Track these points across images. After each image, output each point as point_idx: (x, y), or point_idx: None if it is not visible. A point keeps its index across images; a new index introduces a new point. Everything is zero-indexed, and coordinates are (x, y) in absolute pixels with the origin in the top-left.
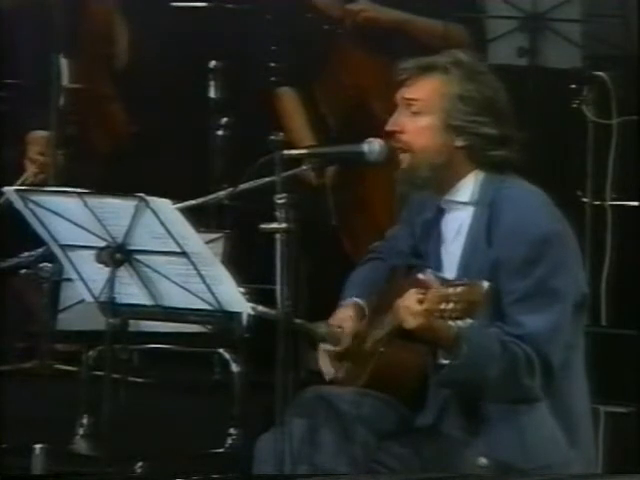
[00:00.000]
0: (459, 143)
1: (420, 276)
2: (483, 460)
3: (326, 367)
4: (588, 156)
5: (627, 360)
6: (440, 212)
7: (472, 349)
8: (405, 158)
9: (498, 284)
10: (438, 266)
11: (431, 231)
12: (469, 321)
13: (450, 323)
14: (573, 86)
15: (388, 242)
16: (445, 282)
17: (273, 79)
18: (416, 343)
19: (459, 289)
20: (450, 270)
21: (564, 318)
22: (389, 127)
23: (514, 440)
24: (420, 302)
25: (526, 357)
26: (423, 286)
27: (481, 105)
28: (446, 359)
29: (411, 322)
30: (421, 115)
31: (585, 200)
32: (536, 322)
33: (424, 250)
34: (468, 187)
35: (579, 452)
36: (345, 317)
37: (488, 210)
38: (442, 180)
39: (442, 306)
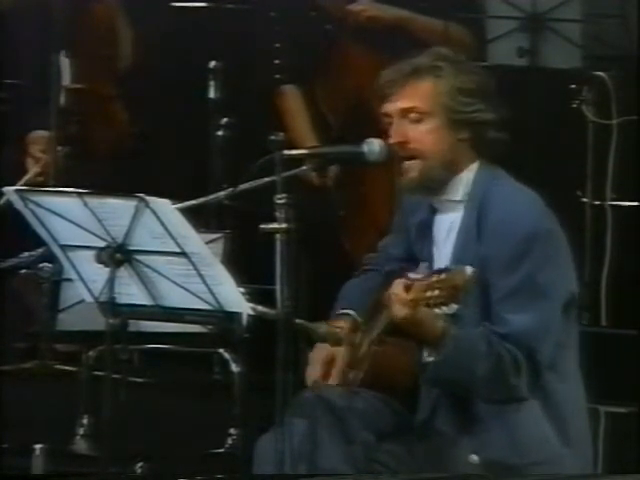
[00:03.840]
0: (463, 135)
1: (410, 274)
2: (474, 457)
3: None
4: (588, 156)
5: (627, 360)
6: (433, 212)
7: (457, 346)
8: (415, 165)
9: (488, 280)
10: (432, 265)
11: (425, 231)
12: (454, 306)
13: (437, 314)
14: (573, 86)
15: (382, 252)
16: (430, 273)
17: (277, 77)
18: (405, 339)
19: (443, 275)
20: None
21: (551, 315)
22: (394, 139)
23: (503, 437)
24: (407, 290)
25: (512, 356)
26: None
27: (477, 93)
28: (431, 357)
29: (400, 311)
30: (423, 121)
31: (585, 200)
32: (522, 319)
33: (419, 250)
34: (460, 185)
35: (573, 450)
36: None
37: (478, 207)
38: (449, 176)
39: (428, 294)
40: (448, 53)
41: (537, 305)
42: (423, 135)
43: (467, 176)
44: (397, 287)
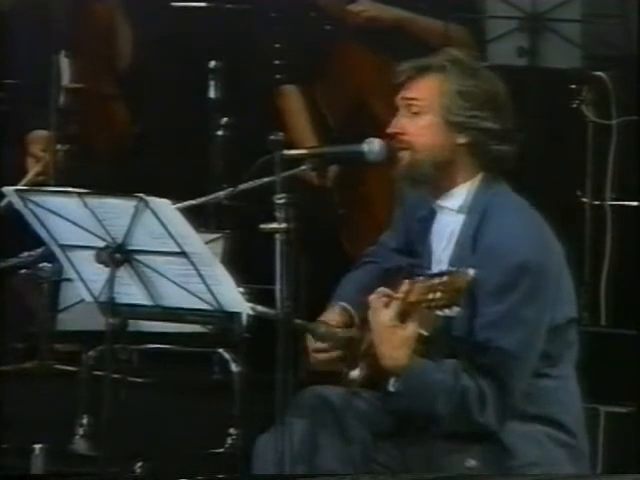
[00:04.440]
0: (461, 140)
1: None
2: (472, 462)
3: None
4: (588, 156)
5: (627, 360)
6: (432, 215)
7: (421, 380)
8: (405, 155)
9: (477, 298)
10: (428, 270)
11: (425, 233)
12: (456, 309)
13: (410, 340)
14: (573, 86)
15: (381, 245)
16: (431, 275)
17: (277, 77)
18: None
19: (445, 278)
20: None
21: (532, 346)
22: (391, 129)
23: (495, 441)
24: (386, 306)
25: (479, 393)
26: (406, 283)
27: (480, 100)
28: (394, 387)
29: (377, 328)
30: (421, 115)
31: (585, 200)
32: (501, 349)
33: (420, 251)
34: (461, 195)
35: (570, 453)
36: (329, 321)
37: (477, 222)
38: (442, 180)
39: (430, 296)
40: (460, 55)
41: (519, 334)
42: (418, 129)
43: (468, 187)
44: (377, 302)
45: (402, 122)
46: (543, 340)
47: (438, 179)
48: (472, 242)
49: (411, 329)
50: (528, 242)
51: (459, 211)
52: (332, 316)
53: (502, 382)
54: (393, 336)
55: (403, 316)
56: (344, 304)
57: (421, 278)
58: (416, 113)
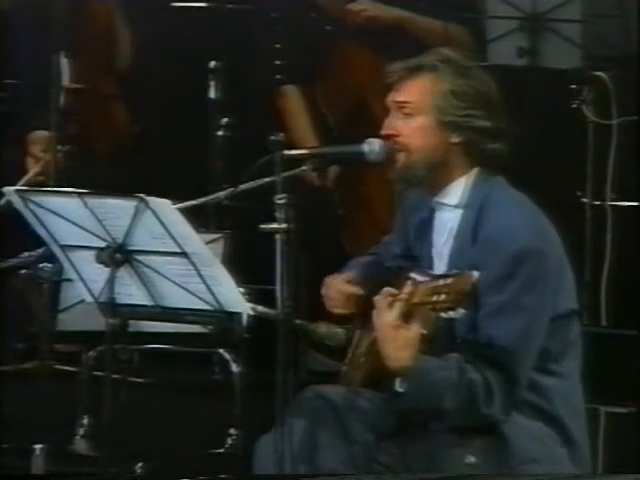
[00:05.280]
0: (455, 139)
1: (412, 275)
2: (472, 458)
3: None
4: (588, 156)
5: (627, 360)
6: (432, 213)
7: (427, 379)
8: (401, 157)
9: (477, 295)
10: (430, 267)
11: (424, 232)
12: (461, 311)
13: (414, 340)
14: (573, 86)
15: (384, 246)
16: (435, 277)
17: (278, 77)
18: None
19: (449, 280)
20: (440, 271)
21: (533, 336)
22: (384, 131)
23: (495, 437)
24: (391, 306)
25: (485, 385)
26: (409, 284)
27: (473, 99)
28: (401, 388)
29: (380, 327)
30: (414, 116)
31: (585, 200)
32: (504, 339)
33: (419, 251)
34: (458, 190)
35: (570, 451)
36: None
37: (475, 215)
38: (438, 178)
39: (434, 298)
40: (452, 55)
41: (521, 323)
42: (411, 130)
43: (465, 182)
44: (381, 302)
45: (395, 123)
46: (545, 329)
47: (433, 179)
48: (471, 235)
49: (415, 330)
50: (526, 231)
51: (457, 206)
52: (339, 279)
53: (507, 371)
54: (397, 336)
55: (407, 317)
56: (352, 273)
57: (426, 279)
58: (409, 114)
